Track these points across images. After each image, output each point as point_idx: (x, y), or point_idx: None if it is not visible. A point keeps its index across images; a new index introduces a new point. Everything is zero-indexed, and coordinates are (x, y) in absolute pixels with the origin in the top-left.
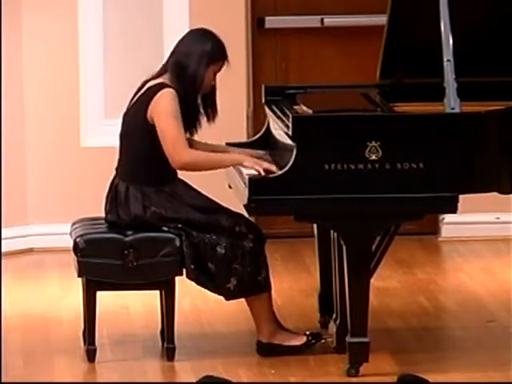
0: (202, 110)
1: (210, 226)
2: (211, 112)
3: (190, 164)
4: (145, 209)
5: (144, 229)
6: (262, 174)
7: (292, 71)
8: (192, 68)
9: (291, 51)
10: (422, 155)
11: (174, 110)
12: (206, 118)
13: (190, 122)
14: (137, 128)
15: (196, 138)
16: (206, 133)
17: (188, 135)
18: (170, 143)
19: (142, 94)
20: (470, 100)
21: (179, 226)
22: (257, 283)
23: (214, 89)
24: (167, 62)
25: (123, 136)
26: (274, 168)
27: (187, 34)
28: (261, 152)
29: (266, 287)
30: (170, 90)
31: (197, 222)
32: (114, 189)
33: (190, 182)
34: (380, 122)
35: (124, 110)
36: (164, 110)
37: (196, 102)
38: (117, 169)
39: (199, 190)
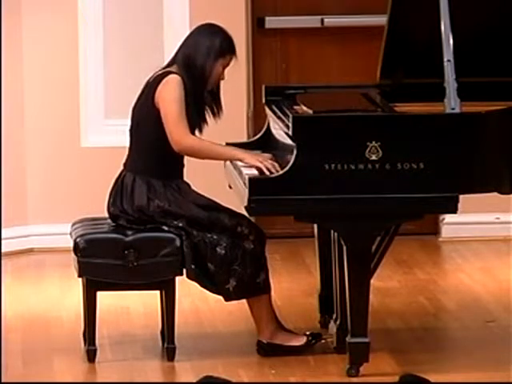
0: (207, 106)
1: (212, 225)
2: (216, 108)
3: (191, 148)
4: (149, 201)
5: (144, 228)
6: (266, 172)
7: (292, 71)
8: (200, 61)
9: (291, 51)
10: (422, 155)
11: (177, 95)
12: (211, 115)
13: (196, 116)
14: (146, 116)
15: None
16: (206, 132)
17: (197, 132)
18: (171, 124)
19: (148, 83)
20: (470, 100)
21: (180, 225)
22: (256, 285)
23: (218, 85)
24: (175, 55)
25: (132, 128)
26: (274, 169)
27: (196, 28)
28: (266, 155)
29: (266, 289)
30: (177, 76)
31: (199, 220)
32: (119, 182)
33: (191, 182)
34: (380, 122)
35: (133, 103)
36: (168, 94)
37: (203, 96)
38: (125, 164)
39: (201, 192)
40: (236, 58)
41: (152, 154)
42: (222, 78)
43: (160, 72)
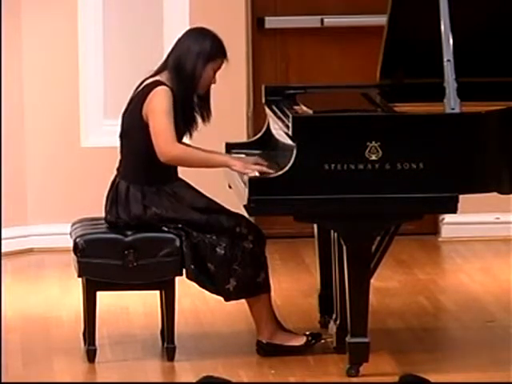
0: (197, 111)
1: (211, 227)
2: (205, 112)
3: (178, 158)
4: (145, 209)
5: (144, 229)
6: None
7: (292, 71)
8: (190, 66)
9: (291, 51)
10: (422, 155)
11: (166, 107)
12: (200, 119)
13: (186, 121)
14: (134, 126)
15: (195, 138)
16: (206, 132)
17: (187, 137)
18: (158, 135)
19: (138, 92)
20: (470, 100)
21: (179, 226)
22: (256, 284)
23: (208, 89)
24: (166, 60)
25: (123, 135)
26: (260, 171)
27: (186, 32)
28: (252, 158)
29: (266, 288)
30: (165, 87)
31: (197, 223)
32: (114, 188)
33: (190, 182)
34: (380, 122)
35: (123, 109)
36: (156, 106)
37: (193, 100)
38: (118, 168)
39: (199, 190)
40: (227, 61)
41: (142, 162)
42: (214, 82)
43: (149, 81)
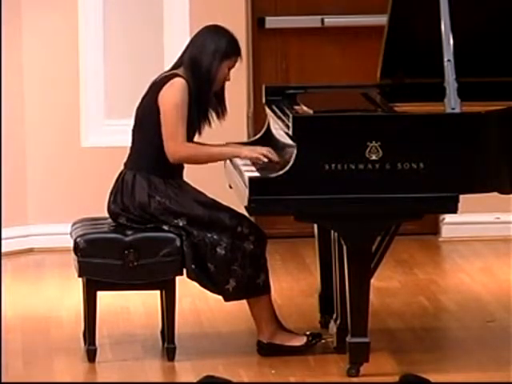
0: (212, 108)
1: (213, 224)
2: (221, 109)
3: (186, 158)
4: (150, 198)
5: (144, 228)
6: (263, 159)
7: (292, 71)
8: (206, 64)
9: (291, 51)
10: (422, 155)
11: (179, 100)
12: (215, 116)
13: (200, 118)
14: (148, 116)
15: (196, 138)
16: (206, 132)
17: (196, 134)
18: (167, 137)
19: (155, 83)
20: (469, 100)
21: (180, 224)
22: (256, 286)
23: (223, 86)
24: (181, 56)
25: (135, 127)
26: (271, 155)
27: (201, 30)
28: (264, 148)
29: (265, 290)
30: (182, 80)
31: (200, 218)
32: (120, 180)
33: (191, 182)
34: (380, 121)
35: (137, 104)
36: (171, 99)
37: (209, 98)
38: (125, 163)
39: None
40: (241, 59)
41: (153, 153)
42: (228, 79)
43: (166, 74)
